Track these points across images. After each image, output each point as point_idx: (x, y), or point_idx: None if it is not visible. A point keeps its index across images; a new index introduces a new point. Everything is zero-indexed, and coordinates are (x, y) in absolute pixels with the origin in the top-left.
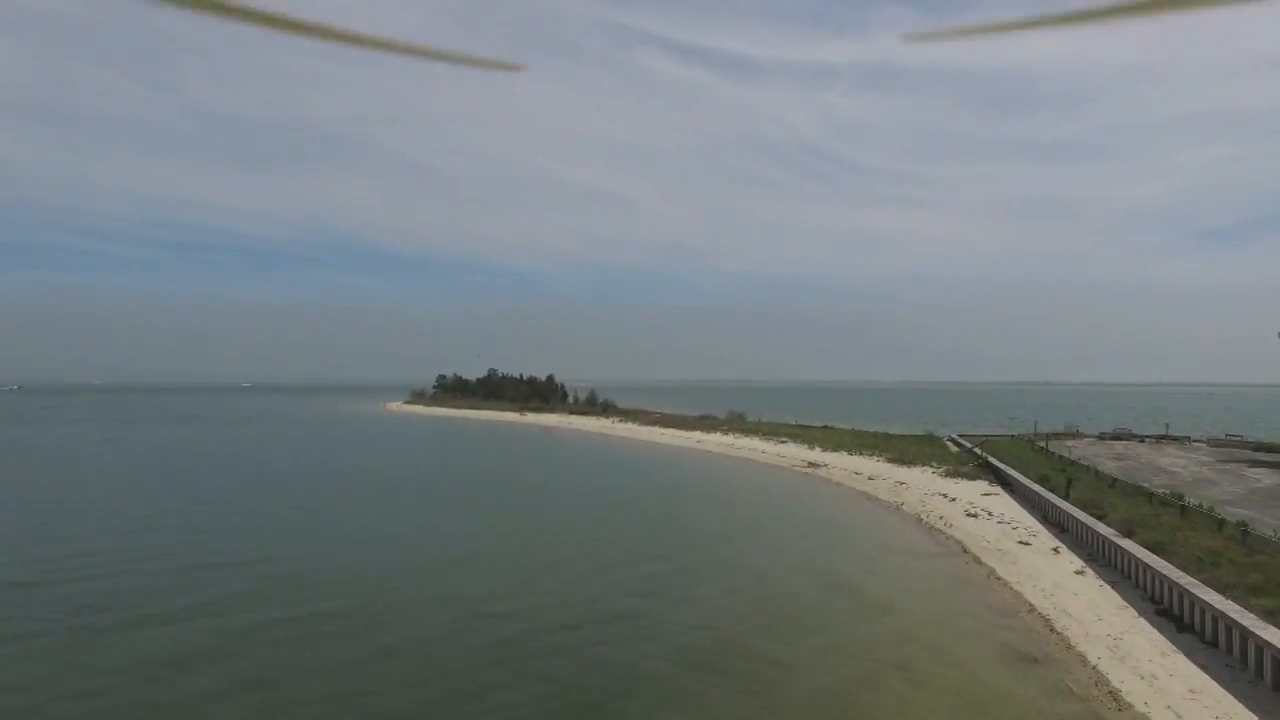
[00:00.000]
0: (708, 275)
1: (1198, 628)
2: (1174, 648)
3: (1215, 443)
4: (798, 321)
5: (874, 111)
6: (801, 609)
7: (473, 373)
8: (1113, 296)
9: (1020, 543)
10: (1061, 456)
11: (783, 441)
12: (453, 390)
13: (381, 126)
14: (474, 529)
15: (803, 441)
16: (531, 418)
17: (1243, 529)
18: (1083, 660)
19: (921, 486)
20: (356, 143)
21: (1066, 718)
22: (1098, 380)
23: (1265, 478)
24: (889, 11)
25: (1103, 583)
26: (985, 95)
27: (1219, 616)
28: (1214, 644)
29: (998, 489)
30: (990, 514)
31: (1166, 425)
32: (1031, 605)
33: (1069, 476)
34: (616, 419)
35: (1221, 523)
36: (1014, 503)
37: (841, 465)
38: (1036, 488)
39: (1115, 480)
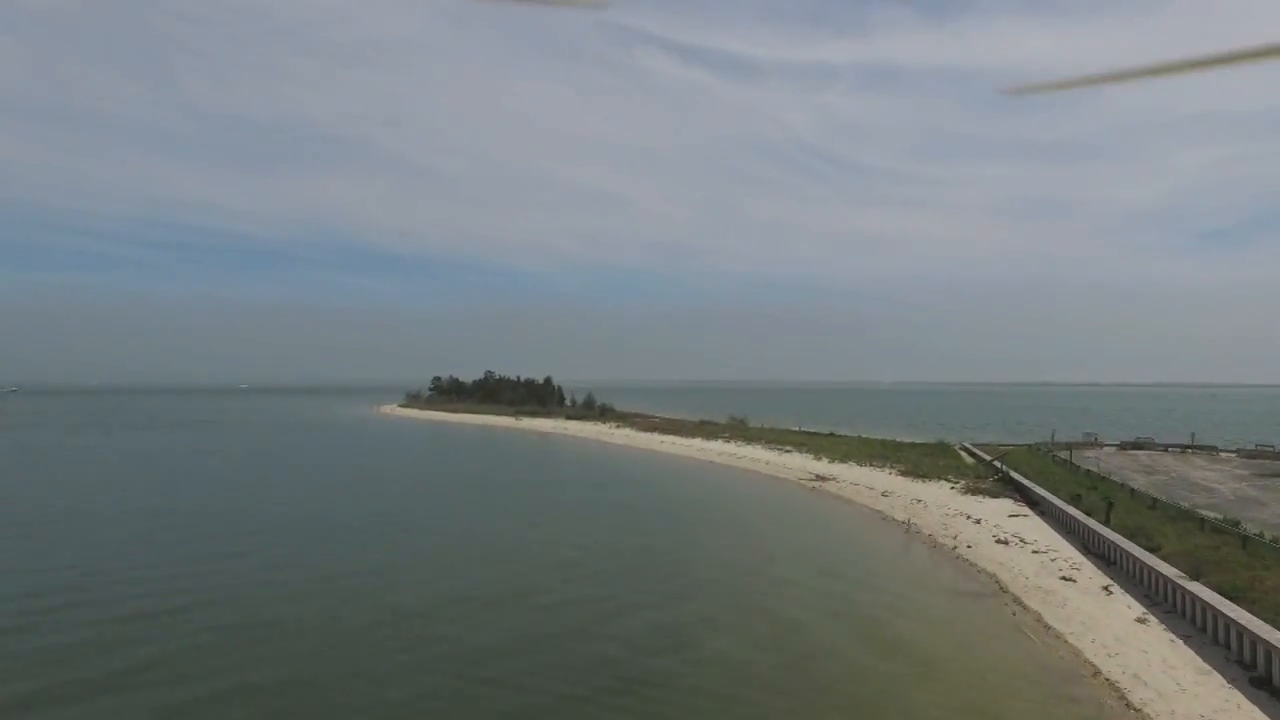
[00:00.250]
0: (707, 276)
1: None
2: None
3: (1246, 454)
4: (797, 322)
5: (873, 112)
6: (838, 671)
7: (469, 375)
8: (1112, 297)
9: (1064, 579)
10: (1089, 471)
11: (787, 451)
12: (448, 393)
13: (381, 127)
14: (454, 568)
15: (808, 450)
16: (527, 423)
17: None
18: None
19: (941, 505)
20: (356, 143)
21: None
22: (1096, 381)
23: None
24: (888, 12)
25: (1173, 637)
26: (984, 96)
27: None
28: None
29: (1025, 509)
30: (1023, 541)
31: (1192, 435)
32: (1095, 667)
33: (1106, 497)
34: (614, 424)
35: None
36: (1046, 526)
37: (851, 478)
38: (1071, 510)
39: (1155, 501)
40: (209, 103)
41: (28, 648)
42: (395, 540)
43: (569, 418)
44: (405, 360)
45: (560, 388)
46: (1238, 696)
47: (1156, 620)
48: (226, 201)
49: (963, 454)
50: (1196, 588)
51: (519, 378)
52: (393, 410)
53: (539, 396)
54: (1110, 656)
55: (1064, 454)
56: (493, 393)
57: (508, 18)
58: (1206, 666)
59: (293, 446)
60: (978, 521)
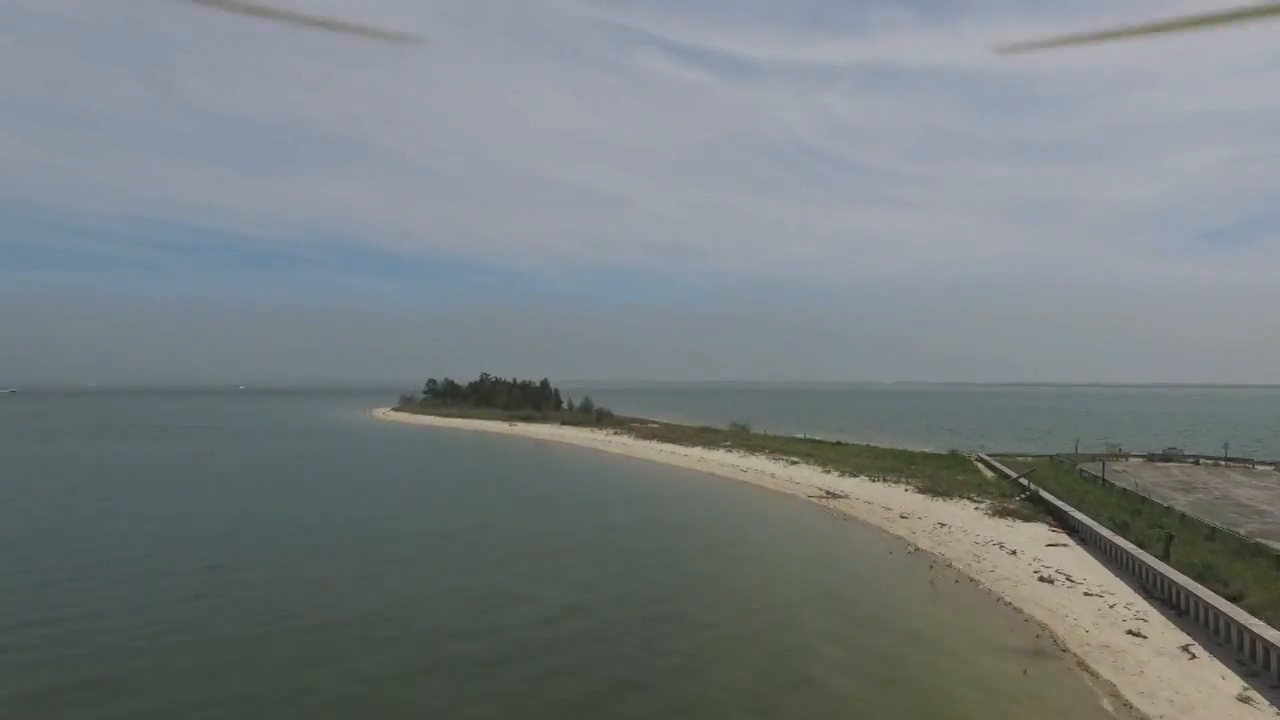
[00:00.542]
0: (706, 276)
1: None
2: None
3: None
4: (796, 322)
5: (872, 112)
6: None
7: (468, 375)
8: (1110, 298)
9: (1131, 633)
10: (1124, 490)
11: (793, 462)
12: (444, 395)
13: (381, 127)
14: (424, 629)
15: (815, 462)
16: (522, 429)
17: None
18: None
19: (968, 530)
20: (355, 144)
21: None
22: (1095, 381)
23: None
24: (888, 13)
25: None
26: (983, 96)
27: None
28: None
29: (1063, 537)
30: (1070, 579)
31: (1225, 446)
32: None
33: (1157, 524)
34: (611, 431)
35: None
36: (1091, 560)
37: (865, 496)
38: (1120, 541)
39: (1214, 530)
40: (208, 103)
41: None
42: (346, 594)
43: (565, 423)
44: (403, 361)
45: (557, 391)
46: None
47: (1262, 698)
48: (225, 202)
49: (980, 466)
50: None
51: (515, 380)
52: (385, 415)
53: (535, 400)
54: None
55: (1089, 466)
56: (488, 396)
57: (507, 19)
58: None
59: (269, 461)
60: (1014, 553)
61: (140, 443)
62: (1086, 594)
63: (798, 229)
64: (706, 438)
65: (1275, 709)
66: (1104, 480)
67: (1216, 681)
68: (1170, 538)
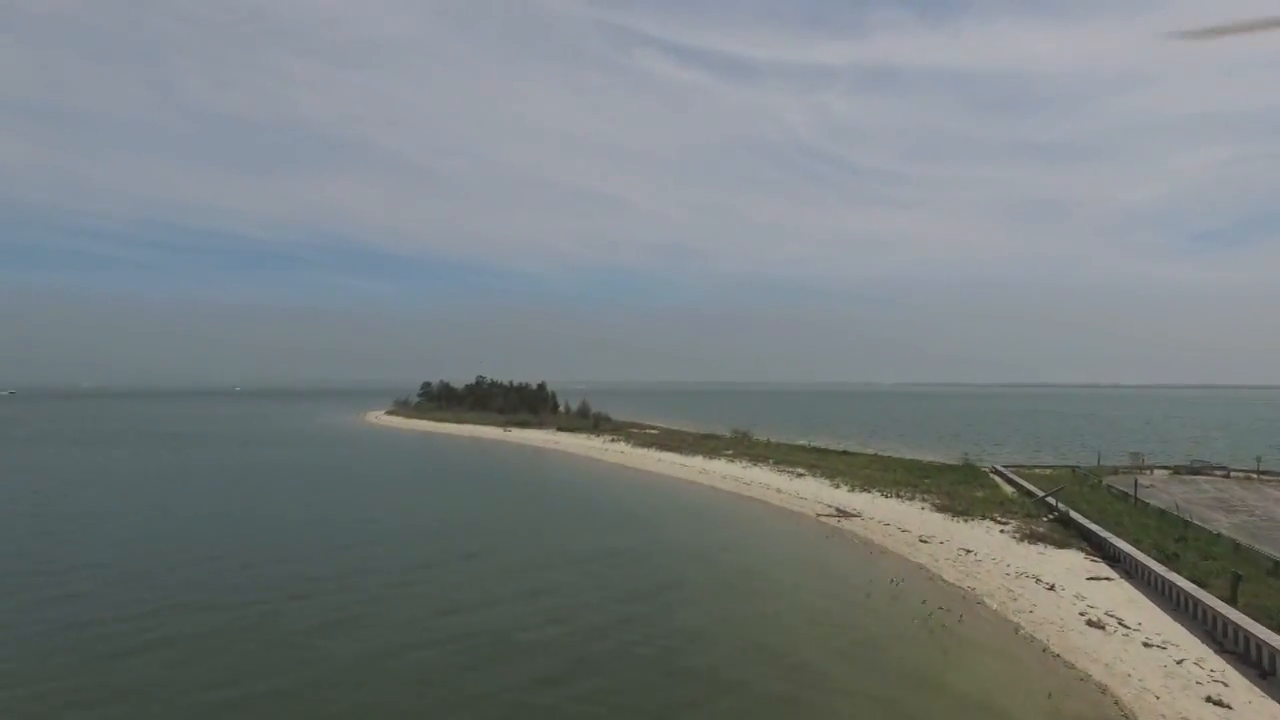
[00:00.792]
0: (705, 277)
1: None
2: None
3: None
4: (796, 323)
5: (871, 113)
6: None
7: (467, 376)
8: (1109, 298)
9: (1212, 701)
10: (1162, 511)
11: (799, 474)
12: (439, 398)
13: (380, 128)
14: (413, 673)
15: (822, 474)
16: (517, 434)
17: None
18: None
19: (996, 558)
20: (355, 144)
21: None
22: (1093, 382)
23: None
24: (886, 13)
25: None
26: (982, 97)
27: None
28: None
29: (1103, 567)
30: (1123, 623)
31: (1259, 459)
32: None
33: (1211, 558)
34: (608, 437)
35: None
36: (1141, 597)
37: (879, 515)
38: (1176, 580)
39: (1278, 564)
40: (208, 104)
41: None
42: (304, 647)
43: (561, 429)
44: (402, 361)
45: (554, 394)
46: None
47: None
48: (224, 202)
49: (998, 480)
50: None
51: (511, 383)
52: (378, 419)
53: (531, 403)
54: None
55: (1114, 480)
56: (484, 399)
57: (507, 19)
58: None
59: (250, 472)
60: (1051, 588)
61: (115, 451)
62: (1146, 644)
63: (797, 229)
64: (707, 445)
65: None
66: (1136, 498)
67: None
68: (1239, 578)
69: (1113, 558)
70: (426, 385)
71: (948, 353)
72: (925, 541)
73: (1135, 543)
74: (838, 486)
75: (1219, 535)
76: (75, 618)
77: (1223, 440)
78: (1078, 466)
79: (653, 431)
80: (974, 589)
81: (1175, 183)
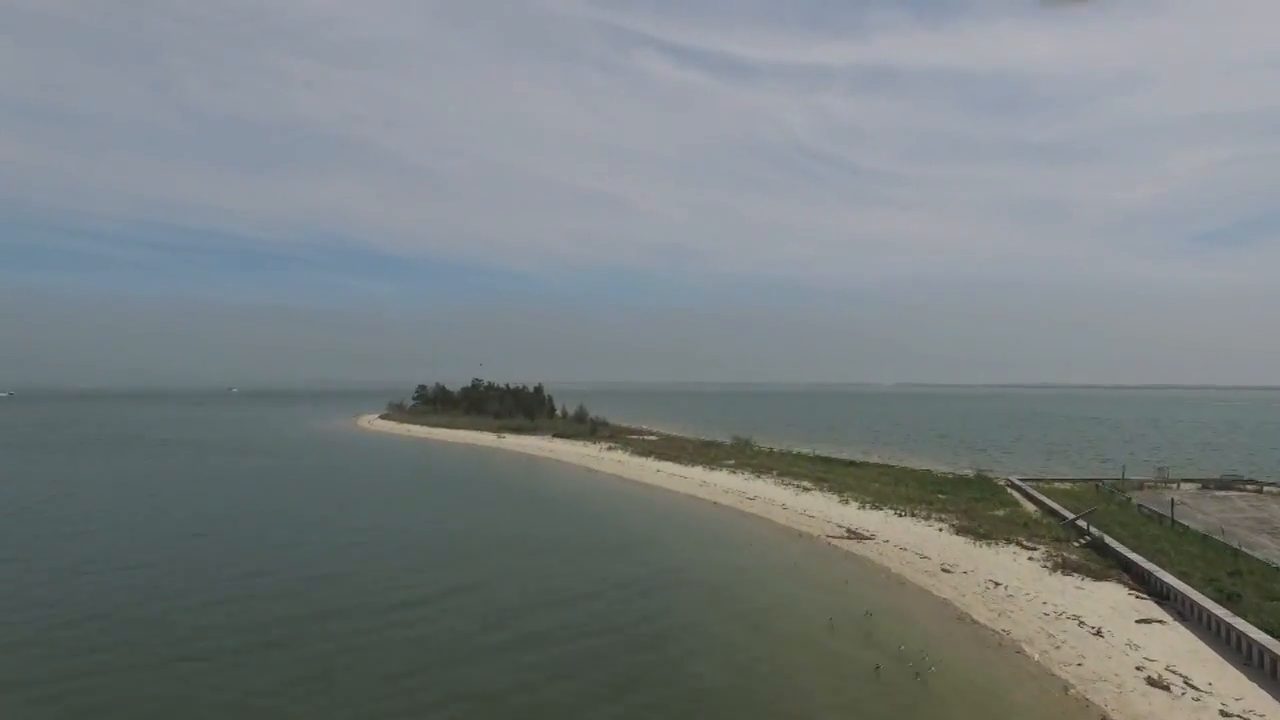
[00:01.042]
0: (705, 277)
1: None
2: None
3: None
4: (795, 323)
5: (870, 114)
6: None
7: (466, 377)
8: (1110, 299)
9: None
10: (1205, 536)
11: (806, 489)
12: (434, 402)
13: (379, 128)
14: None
15: (829, 487)
16: (512, 441)
17: None
18: None
19: (1030, 593)
20: (353, 144)
21: None
22: (1094, 383)
23: None
24: (886, 14)
25: None
26: (981, 97)
27: None
28: None
29: (1150, 604)
30: (1188, 681)
31: None
32: None
33: (1275, 597)
34: (605, 444)
35: None
36: (1201, 644)
37: (894, 537)
38: (1246, 628)
39: None
40: (207, 104)
41: None
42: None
43: (557, 435)
44: (401, 362)
45: (550, 397)
46: None
47: None
48: (223, 202)
49: (1016, 496)
50: None
51: (507, 385)
52: (371, 423)
53: (527, 407)
54: None
55: (1138, 494)
56: (479, 402)
57: (505, 20)
58: None
59: (219, 482)
60: (1098, 632)
61: (85, 458)
62: (1224, 713)
63: (796, 230)
64: (708, 455)
65: None
66: (1173, 521)
67: None
68: None
69: (1160, 594)
70: (421, 388)
71: (947, 353)
72: (948, 571)
73: (1183, 576)
74: (847, 503)
75: (1277, 569)
76: None
77: (1234, 447)
78: (1101, 481)
79: (651, 438)
80: (1009, 633)
81: (1175, 183)
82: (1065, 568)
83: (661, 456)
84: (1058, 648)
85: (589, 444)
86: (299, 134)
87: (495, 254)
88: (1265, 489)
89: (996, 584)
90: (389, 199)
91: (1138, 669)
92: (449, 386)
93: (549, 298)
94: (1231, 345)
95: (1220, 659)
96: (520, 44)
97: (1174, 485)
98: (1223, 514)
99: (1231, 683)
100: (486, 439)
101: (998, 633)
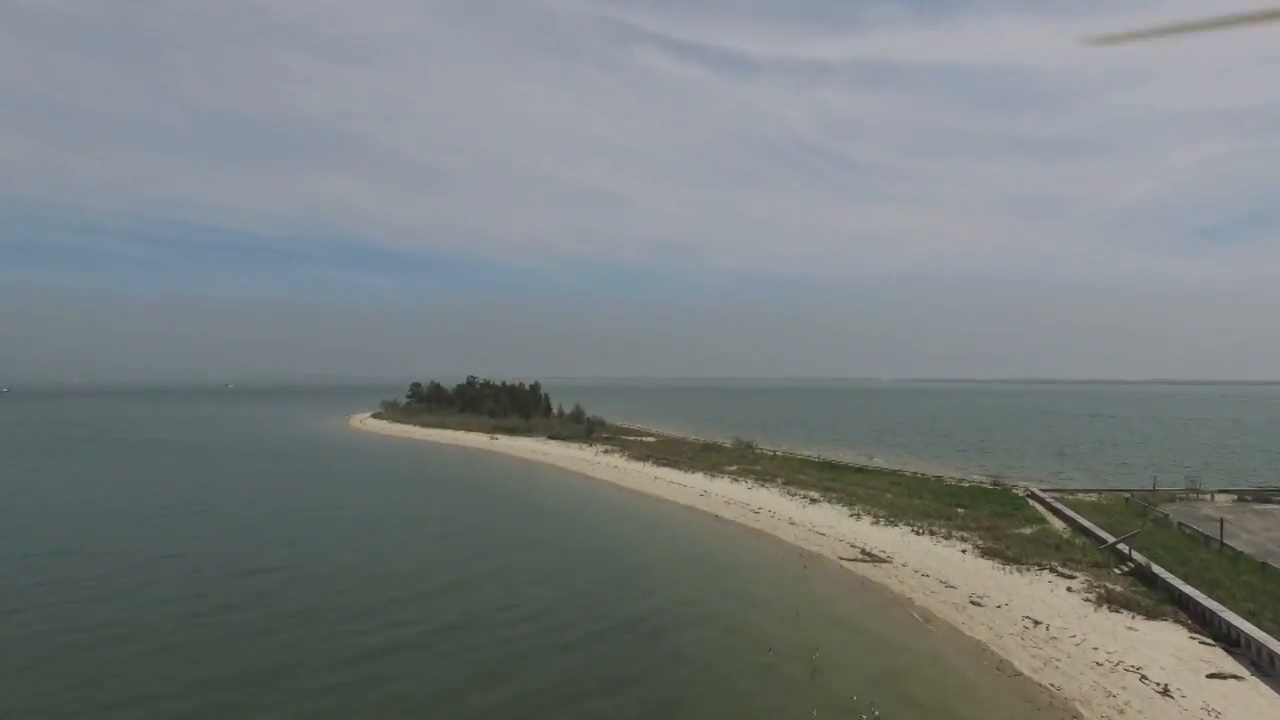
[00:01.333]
0: (704, 273)
1: None
2: None
3: None
4: (795, 319)
5: (870, 109)
6: None
7: (464, 372)
8: (1108, 294)
9: None
10: (1264, 565)
11: (814, 500)
12: (428, 400)
13: (378, 123)
14: None
15: (839, 498)
16: (505, 443)
17: None
18: None
19: (1075, 634)
20: (353, 139)
21: None
22: (1094, 378)
23: None
24: (885, 9)
25: None
26: (980, 92)
27: None
28: None
29: (1216, 649)
30: None
31: None
32: None
33: None
34: (602, 447)
35: None
36: None
37: (913, 561)
38: None
39: None
40: (206, 99)
41: None
42: None
43: (553, 436)
44: (400, 357)
45: (547, 396)
46: None
47: None
48: (222, 198)
49: (1039, 509)
50: None
51: (503, 383)
52: (362, 423)
53: (522, 406)
54: None
55: (1170, 507)
56: (474, 400)
57: (505, 16)
58: None
59: (194, 491)
60: (1165, 691)
61: (56, 463)
62: None
63: (795, 225)
64: (708, 460)
65: None
66: (1222, 543)
67: None
68: None
69: (1229, 639)
70: (416, 386)
71: (946, 348)
72: (978, 604)
73: (1250, 616)
74: (859, 517)
75: None
76: None
77: (1249, 449)
78: (1130, 493)
79: (649, 440)
80: (1059, 689)
81: (1174, 178)
82: (1110, 602)
83: (660, 461)
84: (1121, 711)
85: (584, 447)
86: (298, 129)
87: (495, 250)
88: None
89: (1036, 622)
90: (388, 195)
91: None
92: (447, 382)
93: (549, 293)
94: (1229, 340)
95: None
96: (520, 40)
97: (1208, 497)
98: (1269, 532)
99: None
100: (479, 440)
101: (1045, 688)
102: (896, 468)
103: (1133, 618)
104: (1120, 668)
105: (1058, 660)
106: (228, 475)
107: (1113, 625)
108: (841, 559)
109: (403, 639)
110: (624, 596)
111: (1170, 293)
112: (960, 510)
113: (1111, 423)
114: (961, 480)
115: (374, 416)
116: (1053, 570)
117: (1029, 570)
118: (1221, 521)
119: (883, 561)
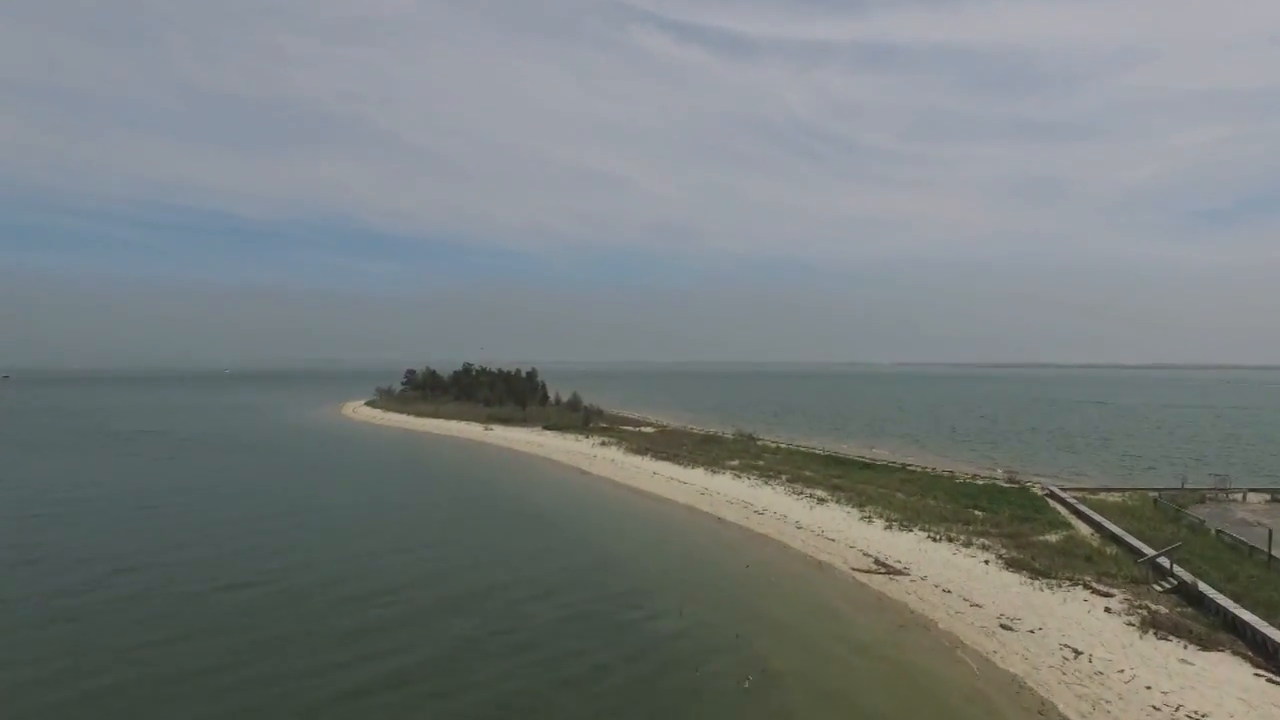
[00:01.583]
0: (704, 256)
1: None
2: None
3: None
4: (795, 303)
5: (870, 91)
6: None
7: (463, 357)
8: (1109, 278)
9: None
10: None
11: (821, 500)
12: (422, 387)
13: (376, 106)
14: None
15: (848, 498)
16: (499, 433)
17: None
18: None
19: (1125, 670)
20: (350, 123)
21: None
22: (1093, 362)
23: None
24: None
25: None
26: (982, 75)
27: None
28: None
29: None
30: None
31: None
32: None
33: None
34: (599, 439)
35: None
36: None
37: (932, 572)
38: None
39: None
40: (203, 83)
41: None
42: None
43: (548, 426)
44: (399, 341)
45: (544, 384)
46: None
47: None
48: (219, 182)
49: (1061, 510)
50: None
51: (499, 370)
52: (355, 411)
53: (518, 394)
54: None
55: (1200, 509)
56: (469, 388)
57: None
58: None
59: (171, 495)
60: None
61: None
62: None
63: (796, 209)
64: (708, 453)
65: None
66: (1270, 555)
67: None
68: None
69: None
70: (411, 373)
71: (946, 333)
72: (1009, 628)
73: None
74: (870, 520)
75: None
76: None
77: (1262, 440)
78: (1158, 493)
79: (648, 430)
80: None
81: (1175, 161)
82: (1156, 626)
83: (659, 455)
84: None
85: (581, 438)
86: (295, 112)
87: (493, 233)
88: None
89: (1076, 652)
90: (387, 178)
91: None
92: (445, 367)
93: (548, 278)
94: (1231, 324)
95: None
96: (518, 22)
97: (1239, 496)
98: None
99: None
100: (473, 430)
101: None
102: (905, 461)
103: (1184, 647)
104: (1181, 713)
105: (1107, 703)
106: (208, 472)
107: (1163, 657)
108: (854, 569)
109: (377, 677)
110: (626, 620)
111: (1170, 276)
112: (978, 513)
113: (1116, 410)
114: (975, 476)
115: (368, 405)
116: (1087, 586)
117: (1061, 586)
118: (1270, 532)
119: (899, 574)
